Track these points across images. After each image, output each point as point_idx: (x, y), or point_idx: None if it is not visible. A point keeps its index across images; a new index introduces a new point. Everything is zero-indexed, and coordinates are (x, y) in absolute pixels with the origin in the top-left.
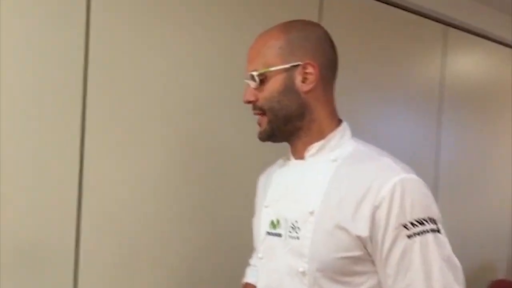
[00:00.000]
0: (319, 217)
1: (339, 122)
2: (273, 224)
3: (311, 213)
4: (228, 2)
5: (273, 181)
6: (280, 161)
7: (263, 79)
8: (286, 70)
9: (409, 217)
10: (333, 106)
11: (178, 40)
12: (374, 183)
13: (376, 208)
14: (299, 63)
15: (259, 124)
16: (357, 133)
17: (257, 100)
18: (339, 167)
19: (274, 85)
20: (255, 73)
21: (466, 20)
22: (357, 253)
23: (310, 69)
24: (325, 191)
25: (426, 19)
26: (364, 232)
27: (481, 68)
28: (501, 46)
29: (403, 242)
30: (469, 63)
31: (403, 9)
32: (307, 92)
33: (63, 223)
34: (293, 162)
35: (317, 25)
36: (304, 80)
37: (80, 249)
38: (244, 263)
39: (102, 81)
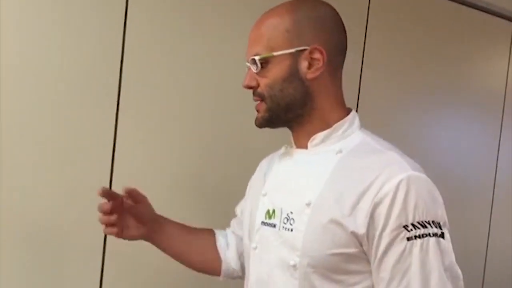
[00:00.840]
0: (315, 210)
1: (347, 111)
2: (269, 214)
3: (307, 205)
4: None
5: (274, 168)
6: (283, 149)
7: (265, 64)
8: (291, 55)
9: (411, 218)
10: (340, 94)
11: (217, 34)
12: (378, 178)
13: (376, 205)
14: (306, 47)
15: (257, 110)
16: (412, 137)
17: (258, 86)
18: (342, 159)
19: (277, 71)
20: (257, 58)
21: None
22: (351, 250)
23: (317, 55)
24: (325, 183)
25: (492, 16)
26: (360, 229)
27: None
28: None
29: (401, 244)
30: None
31: (466, 5)
32: (312, 79)
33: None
34: (295, 151)
35: (327, 5)
36: (310, 66)
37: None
38: None
39: (136, 75)
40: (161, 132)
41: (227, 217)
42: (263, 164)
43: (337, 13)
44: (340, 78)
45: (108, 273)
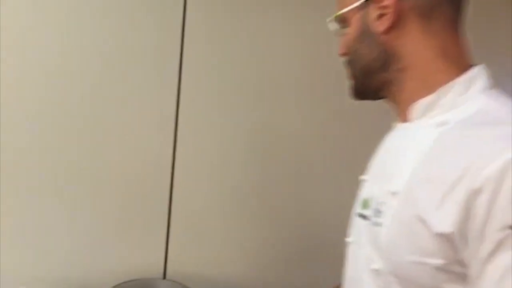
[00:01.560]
0: (402, 201)
1: (464, 68)
2: (364, 204)
3: (394, 194)
4: None
5: (378, 149)
6: (393, 124)
7: (343, 26)
8: (360, 8)
9: None
10: (451, 45)
11: (273, 26)
12: (480, 157)
13: (475, 194)
14: None
15: (349, 80)
16: None
17: (345, 52)
18: (444, 134)
19: (350, 31)
20: (328, 19)
21: None
22: (438, 261)
23: (385, 0)
24: (416, 166)
25: None
26: (449, 226)
27: None
28: None
29: (508, 253)
30: None
31: None
32: (386, 32)
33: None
34: (398, 126)
35: None
36: (380, 17)
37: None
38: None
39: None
40: (224, 134)
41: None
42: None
43: None
44: (448, 25)
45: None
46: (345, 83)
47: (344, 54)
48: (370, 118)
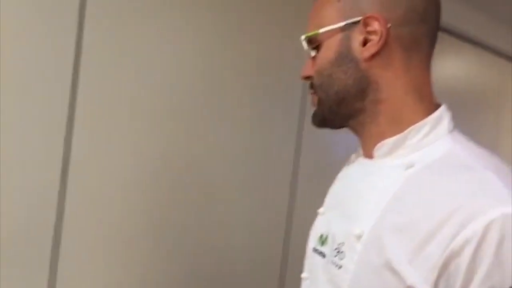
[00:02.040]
0: (368, 246)
1: (433, 108)
2: (321, 240)
3: (358, 237)
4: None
5: (337, 182)
6: (353, 156)
7: (317, 46)
8: (341, 30)
9: (509, 282)
10: (424, 82)
11: (173, 37)
12: (459, 211)
13: (454, 254)
14: (359, 17)
15: (312, 105)
16: None
17: (312, 75)
18: (413, 177)
19: (325, 53)
20: (302, 37)
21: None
22: None
23: (373, 26)
24: (383, 209)
25: None
26: (423, 283)
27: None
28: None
29: None
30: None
31: None
32: (369, 59)
33: (44, 214)
34: (360, 161)
35: None
36: (365, 42)
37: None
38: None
39: (93, 77)
40: (119, 136)
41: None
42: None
43: None
44: (423, 62)
45: None
46: (252, 100)
47: (309, 78)
48: (277, 139)
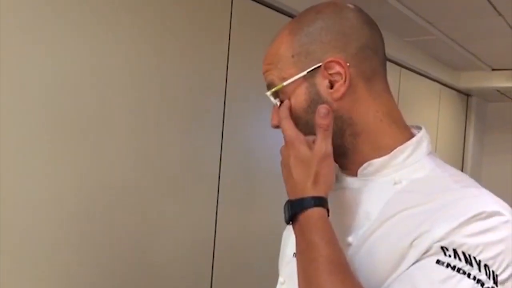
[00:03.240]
0: (355, 255)
1: (408, 131)
2: None
3: (347, 245)
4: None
5: None
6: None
7: (283, 97)
8: (304, 79)
9: (464, 240)
10: (391, 108)
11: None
12: (439, 219)
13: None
14: (318, 64)
15: None
16: None
17: None
18: (401, 191)
19: (296, 103)
20: (268, 94)
21: None
22: None
23: (335, 68)
24: (372, 222)
25: None
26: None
27: None
28: None
29: (426, 261)
30: None
31: None
32: (340, 99)
33: None
34: (342, 177)
35: (334, 5)
36: (331, 85)
37: None
38: None
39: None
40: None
41: None
42: None
43: (354, 8)
44: (385, 89)
45: None
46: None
47: (278, 127)
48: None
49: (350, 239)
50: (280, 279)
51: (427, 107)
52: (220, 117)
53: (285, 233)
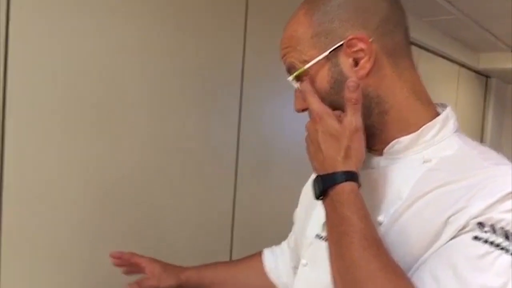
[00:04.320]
0: (387, 233)
1: (434, 108)
2: None
3: (378, 224)
4: None
5: None
6: None
7: (309, 79)
8: (327, 59)
9: (502, 216)
10: (418, 84)
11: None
12: (475, 195)
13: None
14: (340, 42)
15: None
16: None
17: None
18: (431, 170)
19: (320, 85)
20: (290, 79)
21: None
22: None
23: (358, 45)
24: (403, 201)
25: None
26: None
27: None
28: None
29: (462, 237)
30: None
31: None
32: (366, 77)
33: None
34: (369, 157)
35: None
36: (355, 63)
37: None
38: None
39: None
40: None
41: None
42: None
43: None
44: (410, 65)
45: None
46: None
47: (304, 110)
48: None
49: (380, 218)
50: (303, 261)
51: (445, 88)
52: (237, 99)
53: (300, 213)
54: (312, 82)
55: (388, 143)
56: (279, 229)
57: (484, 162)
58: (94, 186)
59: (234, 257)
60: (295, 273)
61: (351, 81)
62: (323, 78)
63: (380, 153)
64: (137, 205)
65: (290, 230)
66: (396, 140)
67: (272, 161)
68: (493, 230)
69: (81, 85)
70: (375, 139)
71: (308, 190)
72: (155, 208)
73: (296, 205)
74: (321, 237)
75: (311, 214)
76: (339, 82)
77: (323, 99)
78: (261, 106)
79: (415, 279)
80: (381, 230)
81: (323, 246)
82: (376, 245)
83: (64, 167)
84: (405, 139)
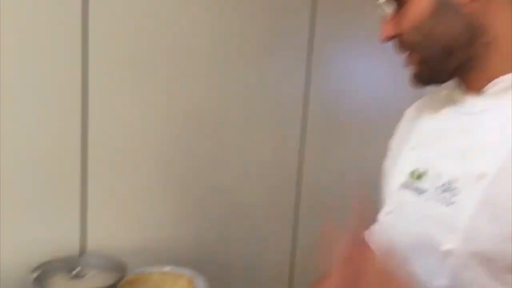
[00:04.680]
0: (494, 185)
1: None
2: (415, 175)
3: (480, 176)
4: None
5: (427, 117)
6: (443, 92)
7: (403, 2)
8: None
9: None
10: None
11: None
12: None
13: None
14: None
15: (408, 66)
16: None
17: (401, 33)
18: None
19: (419, 6)
20: (382, 0)
21: None
22: None
23: None
24: (509, 150)
25: None
26: None
27: None
28: None
29: None
30: None
31: None
32: (472, 1)
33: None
34: (463, 97)
35: None
36: None
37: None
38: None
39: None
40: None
41: None
42: (408, 114)
43: None
44: None
45: None
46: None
47: (394, 37)
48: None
49: (485, 169)
50: (386, 209)
51: None
52: (304, 52)
53: (387, 164)
54: (409, 4)
55: (489, 80)
56: (347, 187)
57: None
58: (171, 124)
59: (299, 213)
60: None
61: None
62: (423, 1)
63: (478, 92)
64: (209, 146)
65: (358, 189)
66: (500, 77)
67: (343, 118)
68: None
69: (159, 42)
70: (474, 75)
71: (397, 136)
72: (226, 150)
73: (365, 164)
74: (405, 186)
75: (395, 163)
76: (442, 5)
77: (421, 25)
78: (332, 61)
79: None
80: (486, 182)
81: (408, 194)
82: None
83: (142, 111)
84: (507, 78)
